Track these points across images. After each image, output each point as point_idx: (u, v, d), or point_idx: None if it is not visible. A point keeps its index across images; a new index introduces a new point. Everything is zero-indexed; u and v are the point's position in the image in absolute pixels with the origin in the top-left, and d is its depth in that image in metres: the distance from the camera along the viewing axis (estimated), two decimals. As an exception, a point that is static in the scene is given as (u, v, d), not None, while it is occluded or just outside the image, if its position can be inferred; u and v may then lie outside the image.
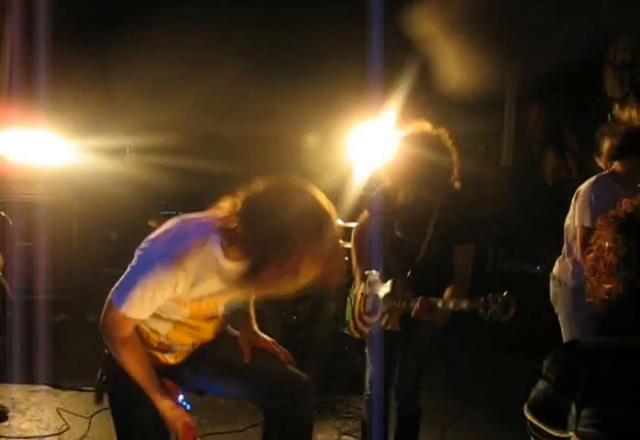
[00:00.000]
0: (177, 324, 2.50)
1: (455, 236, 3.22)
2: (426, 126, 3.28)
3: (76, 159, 6.42)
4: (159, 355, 2.55)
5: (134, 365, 2.42)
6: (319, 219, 2.17)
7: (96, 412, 4.33)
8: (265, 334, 2.77)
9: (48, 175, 5.49)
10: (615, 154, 3.60)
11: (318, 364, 4.78)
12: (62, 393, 4.68)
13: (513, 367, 5.46)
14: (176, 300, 2.35)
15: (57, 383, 4.78)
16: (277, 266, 2.09)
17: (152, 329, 2.50)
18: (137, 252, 2.31)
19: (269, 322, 5.00)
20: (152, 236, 2.34)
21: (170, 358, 2.59)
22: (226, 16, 6.77)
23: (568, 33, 5.81)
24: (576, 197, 3.70)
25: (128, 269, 2.30)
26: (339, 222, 5.07)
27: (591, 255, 1.63)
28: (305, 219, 2.12)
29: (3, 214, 4.14)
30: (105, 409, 4.30)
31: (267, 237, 2.07)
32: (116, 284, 2.32)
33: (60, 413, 4.35)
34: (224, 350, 2.67)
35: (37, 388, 4.73)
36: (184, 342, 2.58)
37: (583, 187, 3.68)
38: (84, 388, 4.73)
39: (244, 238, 2.16)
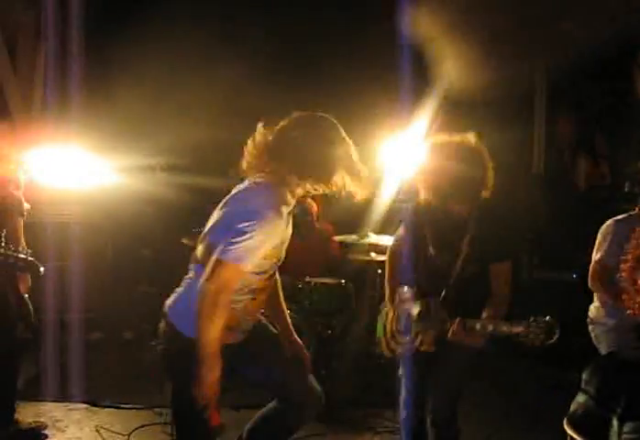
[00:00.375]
0: (254, 293, 2.73)
1: (492, 253, 3.10)
2: (456, 136, 3.17)
3: (108, 178, 6.49)
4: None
5: (216, 332, 2.53)
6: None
7: (134, 430, 4.38)
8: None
9: (80, 195, 5.56)
10: None
11: (352, 378, 4.77)
12: (100, 411, 4.71)
13: (550, 378, 5.37)
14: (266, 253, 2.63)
15: (95, 401, 4.82)
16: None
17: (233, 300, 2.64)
18: (224, 212, 2.67)
19: (304, 336, 4.99)
20: (233, 198, 2.72)
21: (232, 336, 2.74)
22: (250, 27, 6.83)
23: (597, 38, 5.76)
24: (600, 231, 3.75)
25: (224, 229, 2.58)
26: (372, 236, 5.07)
27: (628, 265, 1.60)
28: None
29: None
30: (143, 426, 4.41)
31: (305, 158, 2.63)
32: (214, 245, 2.57)
33: (99, 431, 4.38)
34: (266, 337, 2.96)
35: (75, 406, 4.78)
36: (255, 314, 2.83)
37: (608, 222, 3.72)
38: (122, 405, 4.76)
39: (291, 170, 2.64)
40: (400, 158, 5.62)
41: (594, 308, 3.86)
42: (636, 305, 1.56)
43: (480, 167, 3.10)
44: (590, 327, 3.87)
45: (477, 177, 3.09)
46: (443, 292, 3.12)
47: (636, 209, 3.81)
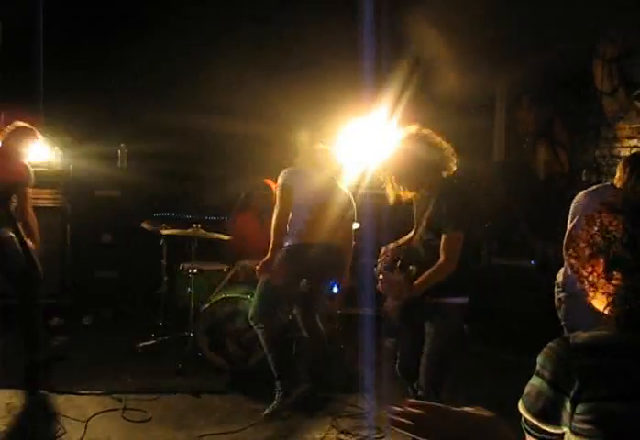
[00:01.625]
0: None
1: (443, 224, 3.44)
2: (415, 127, 3.59)
3: (68, 164, 6.41)
4: None
5: None
6: None
7: (92, 416, 4.34)
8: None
9: (40, 180, 5.45)
10: None
11: (314, 364, 4.78)
12: (58, 397, 4.65)
13: (507, 361, 5.47)
14: None
15: (52, 387, 4.75)
16: None
17: None
18: None
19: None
20: None
21: None
22: (227, 14, 6.77)
23: (556, 29, 5.85)
24: (573, 202, 3.82)
25: None
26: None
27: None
28: None
29: None
30: (100, 412, 4.37)
31: None
32: None
33: (56, 418, 4.33)
34: None
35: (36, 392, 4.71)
36: None
37: (580, 193, 3.77)
38: (80, 391, 4.71)
39: None
40: (366, 145, 5.66)
41: (564, 273, 3.87)
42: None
43: (435, 150, 3.54)
44: (555, 290, 3.91)
45: (434, 159, 3.53)
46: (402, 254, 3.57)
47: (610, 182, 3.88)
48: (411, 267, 3.46)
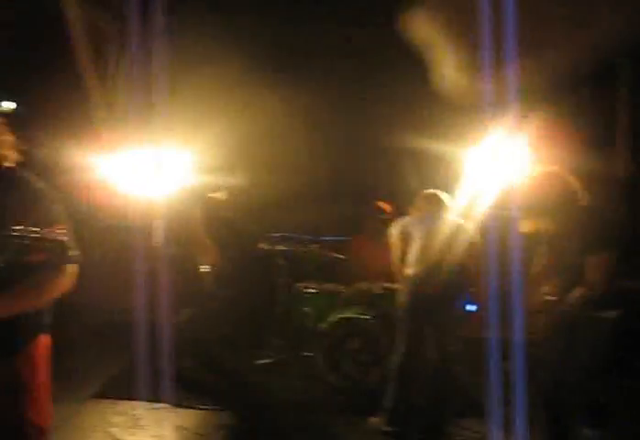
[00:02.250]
0: None
1: (588, 247, 3.63)
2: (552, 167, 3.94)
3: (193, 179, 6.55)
4: None
5: None
6: None
7: (213, 430, 4.44)
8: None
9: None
10: None
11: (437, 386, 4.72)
12: (181, 411, 4.79)
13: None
14: None
15: (175, 401, 4.90)
16: None
17: None
18: None
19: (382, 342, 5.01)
20: None
21: None
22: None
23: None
24: None
25: None
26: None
27: None
28: None
29: None
30: (221, 427, 4.47)
31: None
32: None
33: (179, 431, 4.46)
34: None
35: (156, 405, 4.87)
36: None
37: None
38: (202, 406, 4.83)
39: None
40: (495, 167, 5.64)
41: None
42: None
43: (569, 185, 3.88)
44: None
45: (569, 199, 3.86)
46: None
47: None
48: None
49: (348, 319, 5.17)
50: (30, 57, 7.39)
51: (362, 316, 5.12)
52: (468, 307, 5.05)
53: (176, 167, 5.90)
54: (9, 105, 7.79)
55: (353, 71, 6.75)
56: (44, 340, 2.41)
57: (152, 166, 5.74)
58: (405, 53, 6.58)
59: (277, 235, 6.38)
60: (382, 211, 5.76)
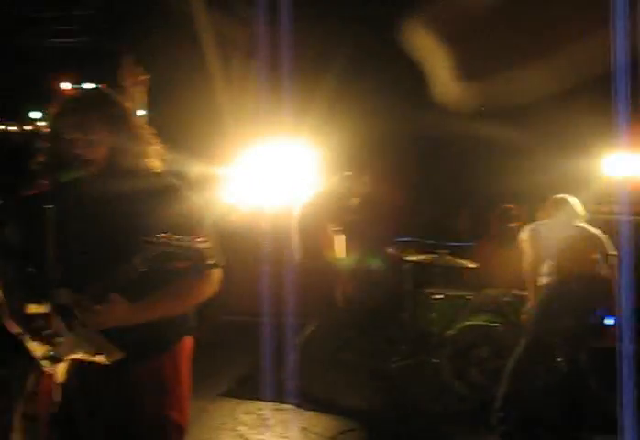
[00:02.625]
0: None
1: None
2: None
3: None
4: None
5: None
6: None
7: (339, 433, 4.44)
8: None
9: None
10: None
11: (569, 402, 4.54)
12: (307, 412, 4.83)
13: None
14: None
15: (302, 402, 4.95)
16: None
17: None
18: None
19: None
20: None
21: None
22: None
23: None
24: None
25: None
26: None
27: None
28: None
29: None
30: (347, 430, 4.48)
31: None
32: None
33: (304, 432, 4.49)
34: None
35: (283, 406, 4.93)
36: None
37: None
38: (330, 409, 4.85)
39: None
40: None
41: None
42: None
43: None
44: None
45: None
46: None
47: None
48: None
49: (476, 326, 5.05)
50: (162, 63, 7.72)
51: (491, 324, 4.99)
52: (607, 320, 4.81)
53: (305, 169, 5.98)
54: (139, 112, 8.14)
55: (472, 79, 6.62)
56: (188, 342, 2.47)
57: (282, 168, 5.85)
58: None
59: (403, 239, 6.34)
60: (511, 215, 5.59)
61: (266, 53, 7.15)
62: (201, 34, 7.12)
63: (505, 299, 5.20)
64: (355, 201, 5.34)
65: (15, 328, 2.28)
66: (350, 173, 5.40)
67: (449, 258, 5.45)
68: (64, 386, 2.19)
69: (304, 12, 7.22)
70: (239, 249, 5.72)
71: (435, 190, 7.00)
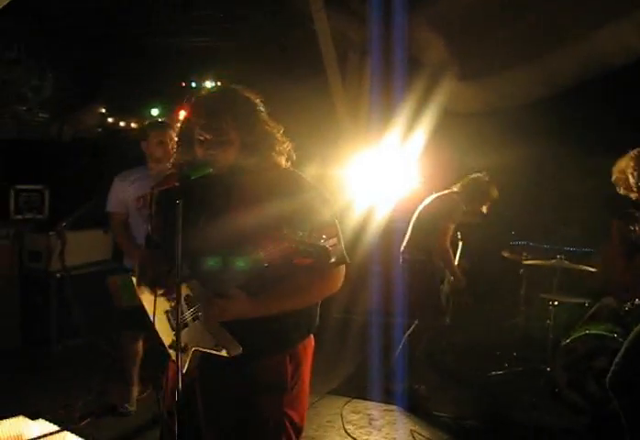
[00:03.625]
0: None
1: None
2: None
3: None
4: None
5: None
6: None
7: (448, 438, 4.39)
8: None
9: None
10: None
11: None
12: (415, 416, 4.79)
13: None
14: None
15: (411, 405, 4.92)
16: None
17: None
18: None
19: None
20: None
21: None
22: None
23: None
24: None
25: None
26: None
27: None
28: None
29: None
30: (455, 435, 4.41)
31: None
32: None
33: (413, 435, 4.46)
34: None
35: (392, 407, 4.92)
36: None
37: None
38: (436, 412, 4.80)
39: None
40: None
41: None
42: None
43: None
44: None
45: None
46: None
47: None
48: None
49: (594, 335, 4.85)
50: (279, 64, 7.83)
51: (610, 334, 4.78)
52: None
53: (416, 170, 5.94)
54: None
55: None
56: (310, 341, 2.48)
57: (395, 170, 5.83)
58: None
59: (520, 243, 6.19)
60: (634, 219, 5.31)
61: (381, 53, 7.13)
62: (318, 33, 7.16)
63: (626, 308, 4.97)
64: (480, 205, 5.24)
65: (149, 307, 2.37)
66: (484, 176, 5.30)
67: (568, 262, 5.25)
68: (186, 377, 2.24)
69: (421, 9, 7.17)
70: (354, 248, 5.73)
71: (546, 193, 6.77)
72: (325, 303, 2.48)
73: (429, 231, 5.08)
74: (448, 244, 5.09)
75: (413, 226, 5.26)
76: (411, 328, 5.20)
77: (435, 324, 5.23)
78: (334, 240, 2.11)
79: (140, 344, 4.61)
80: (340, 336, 6.00)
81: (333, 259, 2.10)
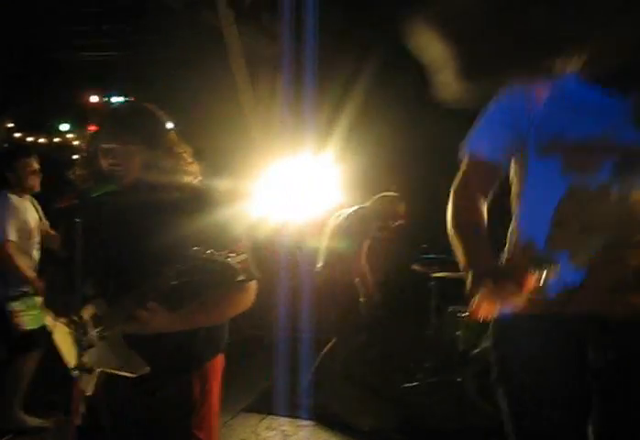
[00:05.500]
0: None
1: None
2: None
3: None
4: None
5: None
6: None
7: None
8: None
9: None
10: None
11: None
12: (329, 429, 4.78)
13: None
14: None
15: (324, 418, 4.91)
16: None
17: None
18: None
19: None
20: None
21: None
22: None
23: None
24: None
25: None
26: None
27: None
28: None
29: None
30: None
31: None
32: None
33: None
34: None
35: (305, 422, 4.90)
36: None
37: None
38: (354, 426, 4.81)
39: None
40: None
41: None
42: None
43: None
44: None
45: None
46: None
47: None
48: None
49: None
50: (191, 78, 7.77)
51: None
52: None
53: (329, 185, 5.97)
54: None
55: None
56: (220, 359, 2.45)
57: (306, 184, 5.84)
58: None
59: (429, 256, 6.29)
60: None
61: (292, 68, 7.18)
62: (229, 48, 7.15)
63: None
64: (392, 221, 5.34)
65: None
66: (392, 194, 5.42)
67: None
68: (92, 398, 2.18)
69: (331, 28, 7.26)
70: (264, 263, 5.71)
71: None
72: (236, 320, 2.46)
73: (345, 247, 5.13)
74: (364, 260, 5.16)
75: (329, 243, 5.31)
76: (329, 344, 5.22)
77: (354, 340, 5.27)
78: (242, 257, 2.10)
79: (33, 366, 4.45)
80: (251, 353, 5.95)
81: (241, 277, 2.09)
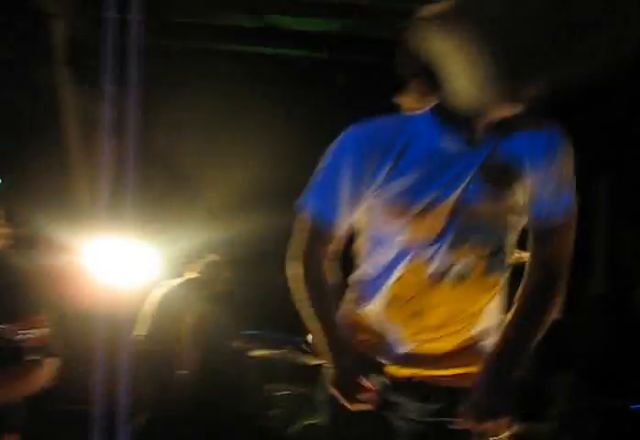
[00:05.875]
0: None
1: None
2: None
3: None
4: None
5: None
6: None
7: None
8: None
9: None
10: None
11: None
12: None
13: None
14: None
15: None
16: None
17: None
18: None
19: None
20: None
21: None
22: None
23: None
24: None
25: None
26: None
27: None
28: None
29: None
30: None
31: None
32: None
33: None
34: None
35: None
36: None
37: None
38: None
39: None
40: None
41: None
42: None
43: None
44: None
45: None
46: None
47: None
48: None
49: (317, 426, 5.02)
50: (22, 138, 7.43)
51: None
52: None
53: (150, 256, 5.82)
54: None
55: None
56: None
57: (134, 255, 5.66)
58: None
59: (248, 332, 6.26)
60: None
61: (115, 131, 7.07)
62: (60, 105, 6.95)
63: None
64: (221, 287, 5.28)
65: None
66: (217, 258, 5.36)
67: (292, 355, 5.44)
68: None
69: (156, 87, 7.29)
70: (79, 335, 5.43)
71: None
72: (42, 396, 2.30)
73: (170, 321, 5.00)
74: (187, 332, 5.05)
75: (153, 316, 5.14)
76: (142, 420, 5.01)
77: (165, 415, 5.09)
78: (42, 331, 1.97)
79: None
80: (62, 430, 5.58)
81: (34, 356, 1.96)
